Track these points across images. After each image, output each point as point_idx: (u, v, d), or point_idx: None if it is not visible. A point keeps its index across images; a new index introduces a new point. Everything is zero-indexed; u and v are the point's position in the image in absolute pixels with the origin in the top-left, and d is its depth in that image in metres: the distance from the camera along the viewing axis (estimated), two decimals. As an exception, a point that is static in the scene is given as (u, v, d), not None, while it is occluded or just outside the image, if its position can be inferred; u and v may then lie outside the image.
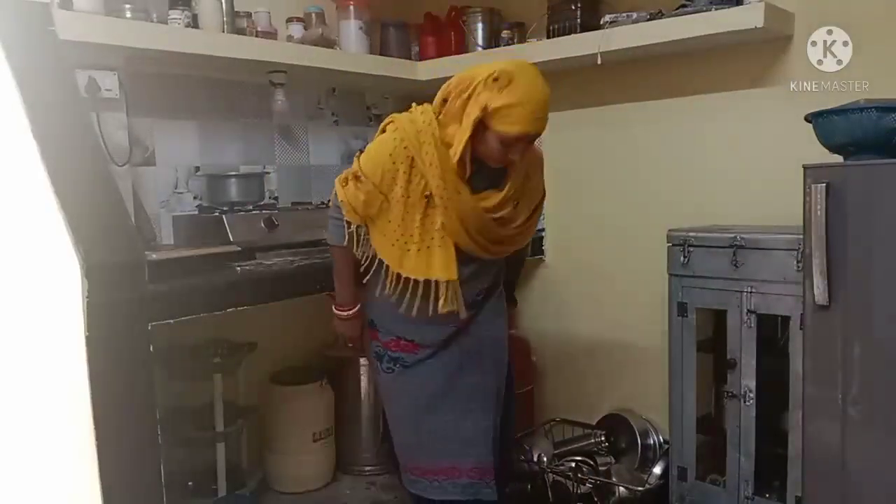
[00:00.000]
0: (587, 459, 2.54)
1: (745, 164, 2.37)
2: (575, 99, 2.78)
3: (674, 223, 2.27)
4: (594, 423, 2.71)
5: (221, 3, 2.25)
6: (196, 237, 2.22)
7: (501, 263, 1.83)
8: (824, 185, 1.65)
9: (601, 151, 2.74)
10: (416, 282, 1.63)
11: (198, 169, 2.48)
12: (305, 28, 2.60)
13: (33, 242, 1.48)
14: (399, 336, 1.75)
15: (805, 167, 1.70)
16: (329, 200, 1.76)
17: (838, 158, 1.80)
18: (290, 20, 2.59)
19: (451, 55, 2.85)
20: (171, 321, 1.62)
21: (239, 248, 2.02)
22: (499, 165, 1.63)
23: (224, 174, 2.44)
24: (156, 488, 1.55)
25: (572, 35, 2.50)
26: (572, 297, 2.88)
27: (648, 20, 2.31)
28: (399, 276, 1.64)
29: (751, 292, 2.04)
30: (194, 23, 2.22)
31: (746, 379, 2.07)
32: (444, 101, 1.62)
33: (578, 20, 2.52)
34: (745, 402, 2.08)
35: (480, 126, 1.54)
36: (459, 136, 1.56)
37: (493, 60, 1.61)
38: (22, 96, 1.50)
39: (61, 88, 1.66)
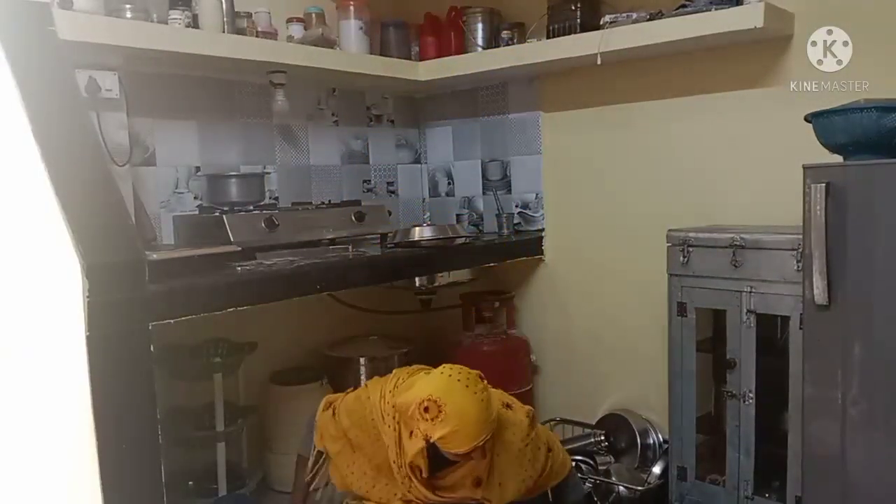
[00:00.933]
0: (587, 459, 2.54)
1: (745, 164, 2.37)
2: (575, 99, 2.78)
3: (674, 223, 2.27)
4: (594, 423, 2.72)
5: (221, 3, 2.25)
6: (196, 237, 2.21)
7: None
8: (824, 185, 1.66)
9: (601, 151, 2.74)
10: None
11: (198, 169, 2.48)
12: (305, 28, 2.60)
13: (34, 242, 1.48)
14: None
15: (805, 167, 1.70)
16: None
17: (838, 158, 1.80)
18: (290, 20, 2.59)
19: (451, 55, 2.86)
20: (171, 321, 1.62)
21: (239, 248, 2.02)
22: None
23: (224, 174, 2.44)
24: (156, 488, 1.55)
25: (572, 35, 2.50)
26: (572, 296, 2.88)
27: (648, 20, 2.31)
28: None
29: (751, 292, 2.04)
30: (194, 23, 2.22)
31: (746, 379, 2.07)
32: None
33: (578, 20, 2.51)
34: (744, 402, 2.08)
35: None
36: (412, 447, 1.61)
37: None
38: (22, 96, 1.50)
39: (61, 88, 1.65)
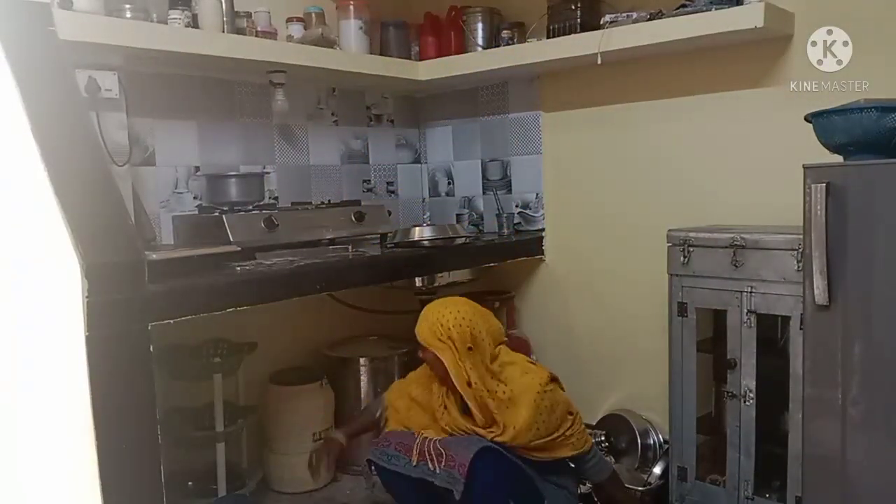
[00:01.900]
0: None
1: (745, 164, 2.37)
2: (575, 99, 2.78)
3: (674, 223, 2.27)
4: (594, 423, 2.71)
5: (221, 3, 2.25)
6: (196, 237, 2.21)
7: None
8: (824, 185, 1.65)
9: (601, 151, 2.74)
10: None
11: (198, 169, 2.48)
12: (305, 28, 2.60)
13: (33, 242, 1.48)
14: None
15: (805, 167, 1.70)
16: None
17: (838, 158, 1.79)
18: (290, 20, 2.59)
19: (451, 55, 2.86)
20: (171, 321, 1.62)
21: (239, 248, 2.02)
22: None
23: (224, 174, 2.44)
24: (156, 488, 1.54)
25: (572, 35, 2.50)
26: (572, 296, 2.88)
27: (648, 20, 2.31)
28: None
29: (751, 292, 2.04)
30: (194, 23, 2.22)
31: (746, 379, 2.07)
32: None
33: (578, 20, 2.52)
34: (745, 402, 2.08)
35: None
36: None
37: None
38: (22, 96, 1.50)
39: (61, 88, 1.65)
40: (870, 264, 1.64)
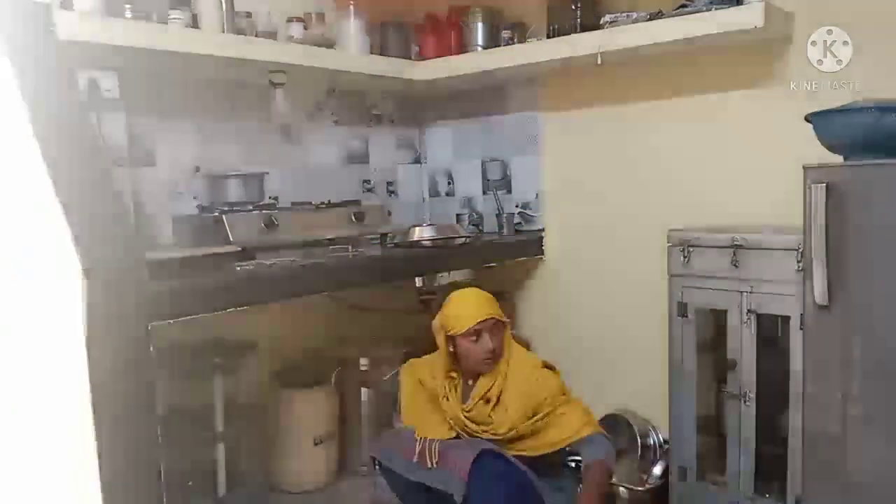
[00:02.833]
0: (587, 459, 2.54)
1: (745, 164, 2.37)
2: (575, 99, 2.78)
3: (674, 223, 2.28)
4: (594, 423, 2.71)
5: (221, 3, 2.25)
6: (196, 237, 2.21)
7: None
8: (824, 185, 1.66)
9: (601, 151, 2.74)
10: None
11: (198, 169, 2.48)
12: (305, 28, 2.60)
13: (33, 242, 1.48)
14: None
15: (805, 167, 1.70)
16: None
17: (838, 158, 1.80)
18: (290, 20, 2.59)
19: (451, 55, 2.86)
20: (171, 321, 1.62)
21: (239, 248, 2.02)
22: (485, 364, 1.96)
23: (224, 174, 2.44)
24: (156, 488, 1.54)
25: (572, 35, 2.50)
26: (572, 296, 2.88)
27: (648, 20, 2.31)
28: None
29: (751, 292, 2.04)
30: (194, 23, 2.22)
31: (746, 379, 2.07)
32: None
33: (578, 20, 2.52)
34: (745, 402, 2.08)
35: (452, 343, 1.98)
36: (441, 347, 2.04)
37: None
38: (22, 96, 1.50)
39: (61, 88, 1.65)
40: (870, 264, 1.65)
